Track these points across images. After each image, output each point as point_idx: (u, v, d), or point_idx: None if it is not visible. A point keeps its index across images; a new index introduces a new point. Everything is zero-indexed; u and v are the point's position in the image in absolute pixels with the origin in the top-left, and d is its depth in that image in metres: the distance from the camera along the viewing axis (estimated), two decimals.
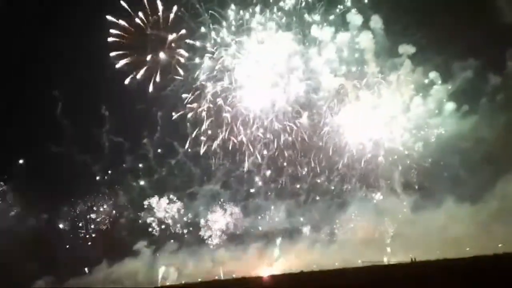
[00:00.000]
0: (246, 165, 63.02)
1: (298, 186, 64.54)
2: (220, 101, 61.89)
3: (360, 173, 62.82)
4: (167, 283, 58.78)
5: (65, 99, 60.68)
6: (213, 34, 61.01)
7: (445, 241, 52.71)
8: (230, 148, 62.40)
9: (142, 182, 64.35)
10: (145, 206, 63.98)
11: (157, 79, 60.78)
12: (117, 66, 59.83)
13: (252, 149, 62.63)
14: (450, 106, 61.61)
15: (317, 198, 64.33)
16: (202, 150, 62.27)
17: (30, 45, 58.80)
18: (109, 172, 63.59)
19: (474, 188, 57.04)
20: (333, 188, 63.78)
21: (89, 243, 63.55)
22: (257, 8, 61.31)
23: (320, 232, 63.55)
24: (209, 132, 62.16)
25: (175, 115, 61.66)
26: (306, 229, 64.24)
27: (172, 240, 63.38)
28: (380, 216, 61.64)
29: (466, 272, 34.55)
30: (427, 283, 33.55)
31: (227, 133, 62.11)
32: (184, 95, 61.45)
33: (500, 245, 49.40)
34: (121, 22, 59.70)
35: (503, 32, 56.91)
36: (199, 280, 57.47)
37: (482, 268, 35.92)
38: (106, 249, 62.50)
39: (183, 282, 58.09)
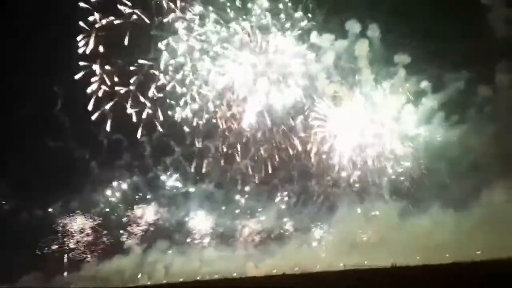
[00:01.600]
0: (239, 166, 63.91)
1: (289, 188, 65.50)
2: (216, 103, 62.75)
3: (350, 179, 63.65)
4: (149, 282, 59.25)
5: (65, 95, 61.11)
6: (213, 37, 61.81)
7: (427, 247, 53.20)
8: (224, 150, 63.40)
9: (136, 180, 65.09)
10: (138, 204, 65.02)
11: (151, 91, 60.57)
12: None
13: (245, 152, 63.59)
14: (440, 115, 62.60)
15: (307, 201, 65.17)
16: (196, 151, 63.19)
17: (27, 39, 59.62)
18: (105, 168, 63.82)
19: (459, 196, 58.39)
20: (322, 192, 64.53)
21: (81, 239, 64.36)
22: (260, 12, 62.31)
23: (306, 235, 64.62)
24: (205, 134, 63.08)
25: (170, 119, 62.11)
26: (293, 231, 65.26)
27: (162, 239, 63.78)
28: (366, 221, 62.72)
29: (444, 278, 34.93)
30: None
31: (221, 135, 63.20)
32: (181, 97, 62.11)
33: (478, 252, 49.90)
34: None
35: (495, 46, 57.94)
36: (181, 280, 57.84)
37: (459, 274, 36.30)
38: (97, 246, 63.41)
39: (164, 282, 58.44)
